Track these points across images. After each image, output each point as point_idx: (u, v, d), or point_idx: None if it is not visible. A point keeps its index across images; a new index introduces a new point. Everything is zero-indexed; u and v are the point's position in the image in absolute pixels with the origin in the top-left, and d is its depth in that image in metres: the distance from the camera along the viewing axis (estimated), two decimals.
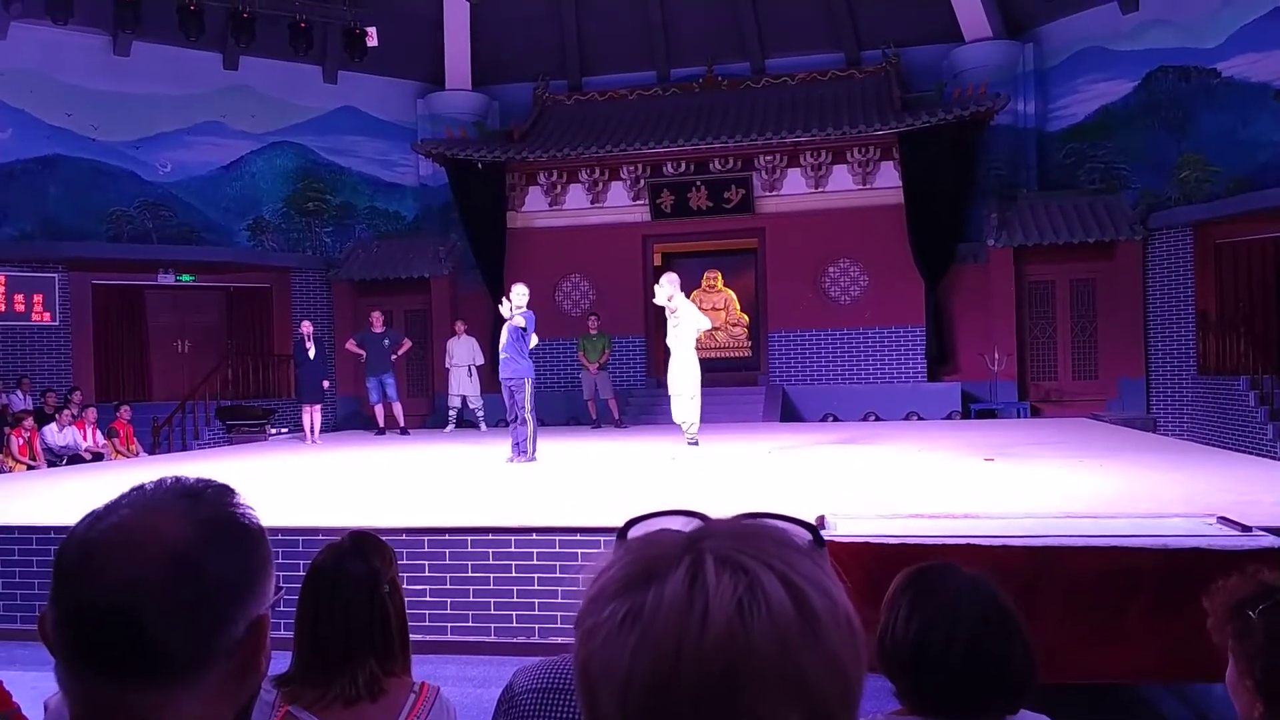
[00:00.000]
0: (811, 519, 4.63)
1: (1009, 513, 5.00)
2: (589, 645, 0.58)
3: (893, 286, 14.92)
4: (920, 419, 14.18)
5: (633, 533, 0.67)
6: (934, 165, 14.38)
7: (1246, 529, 3.94)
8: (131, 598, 0.78)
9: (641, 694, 0.54)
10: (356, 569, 1.96)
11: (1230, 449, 10.34)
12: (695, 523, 0.64)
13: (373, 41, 15.20)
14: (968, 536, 3.88)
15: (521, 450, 9.07)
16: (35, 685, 1.63)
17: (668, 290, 9.17)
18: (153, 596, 0.78)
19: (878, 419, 14.35)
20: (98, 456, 12.26)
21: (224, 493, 0.87)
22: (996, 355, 14.41)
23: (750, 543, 0.58)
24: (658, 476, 7.72)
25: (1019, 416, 14.13)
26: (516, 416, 9.15)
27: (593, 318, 14.48)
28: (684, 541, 0.59)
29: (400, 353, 13.95)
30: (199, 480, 0.87)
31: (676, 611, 0.54)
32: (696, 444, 9.32)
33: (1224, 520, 4.12)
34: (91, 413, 12.75)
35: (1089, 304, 14.82)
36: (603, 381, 13.92)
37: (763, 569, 0.56)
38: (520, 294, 9.17)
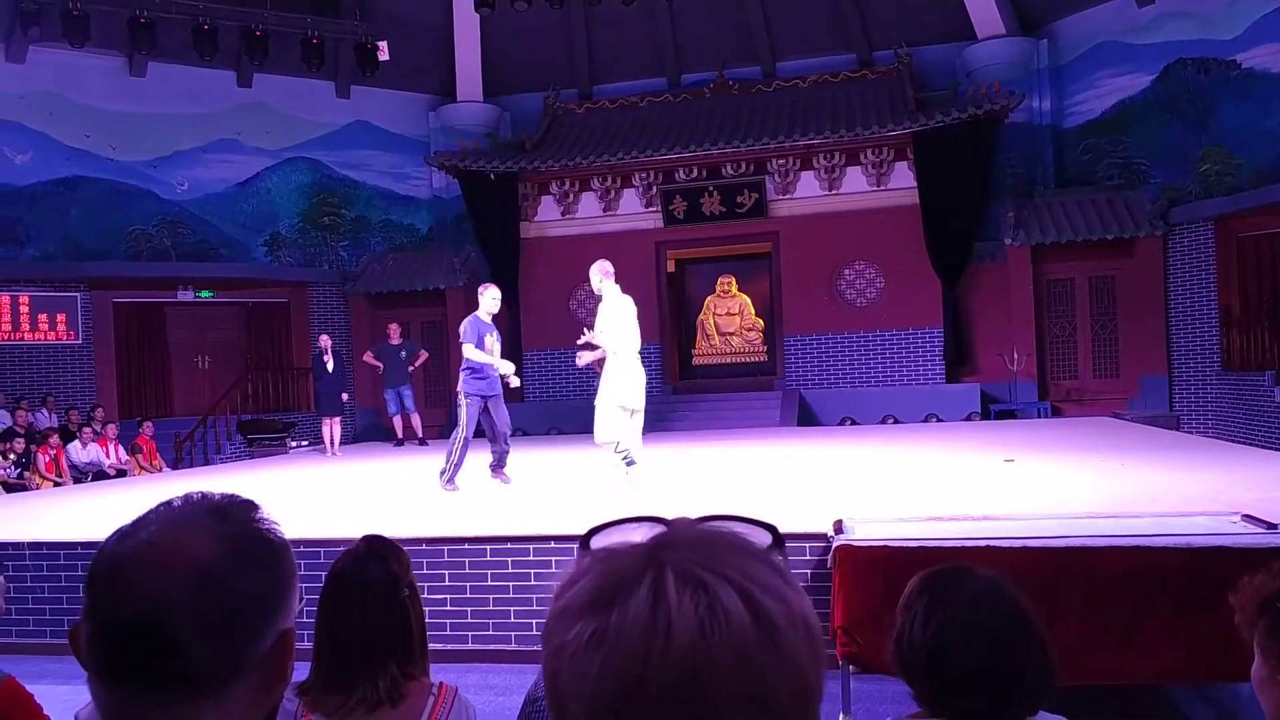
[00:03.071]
0: (829, 523, 4.60)
1: (1030, 514, 4.96)
2: (557, 662, 0.60)
3: (909, 288, 14.85)
4: (939, 421, 14.11)
5: (595, 541, 0.69)
6: (949, 165, 14.31)
7: (1272, 526, 3.89)
8: (162, 615, 0.79)
9: (609, 710, 0.57)
10: (376, 573, 1.97)
11: (1255, 446, 10.22)
12: (657, 528, 0.65)
13: (384, 56, 15.29)
14: (988, 539, 3.85)
15: (451, 478, 7.81)
16: (67, 699, 1.64)
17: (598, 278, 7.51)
18: (183, 613, 0.80)
19: (896, 422, 14.29)
20: (121, 473, 12.38)
21: (248, 508, 0.88)
22: (1016, 355, 14.31)
23: (709, 554, 0.60)
24: (674, 483, 7.70)
25: (1039, 416, 14.02)
26: (498, 435, 7.99)
27: None
28: (645, 554, 0.61)
29: (417, 364, 14.01)
30: (223, 496, 0.89)
31: (641, 632, 0.57)
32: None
33: (1248, 518, 4.07)
34: (111, 429, 12.87)
35: (1109, 301, 14.68)
36: None
37: (721, 584, 0.58)
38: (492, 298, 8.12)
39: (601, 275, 7.52)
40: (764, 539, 0.67)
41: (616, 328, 7.39)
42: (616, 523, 0.71)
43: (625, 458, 7.34)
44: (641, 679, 0.56)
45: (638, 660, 0.56)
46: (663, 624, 0.56)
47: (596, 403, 7.43)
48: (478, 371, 7.84)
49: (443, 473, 7.83)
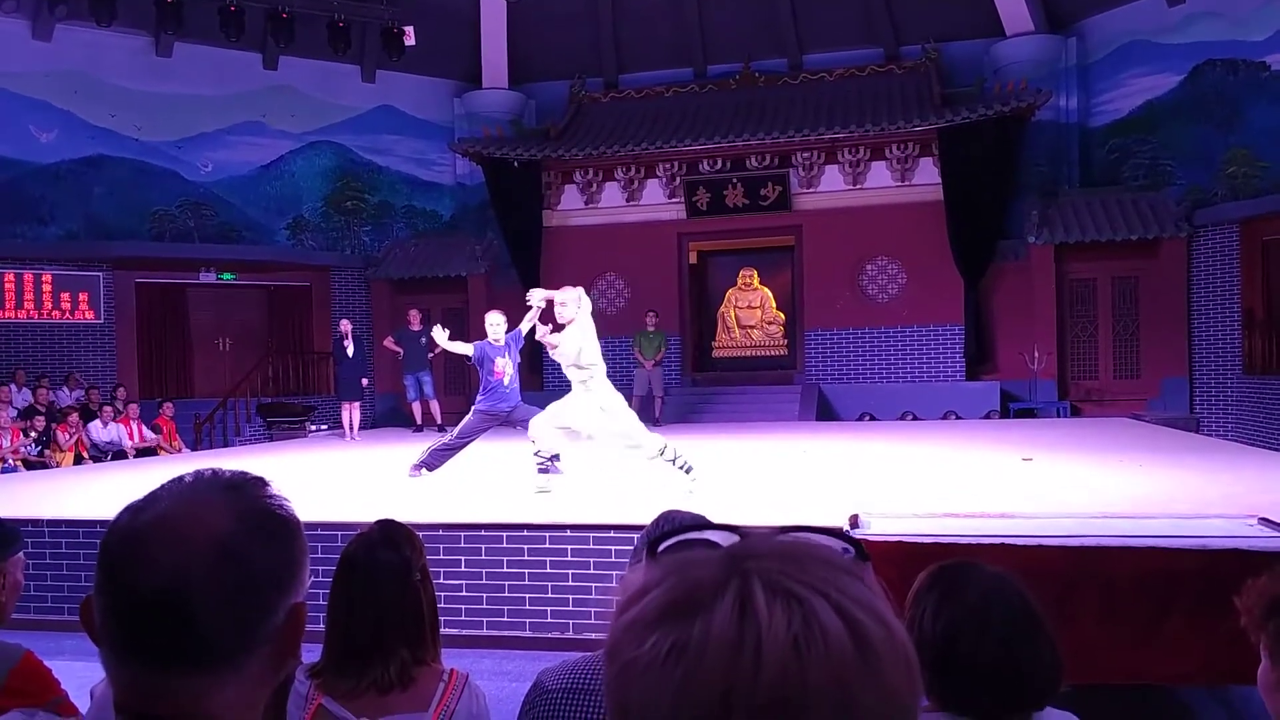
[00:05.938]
0: (846, 517, 4.59)
1: (1046, 512, 4.95)
2: (626, 678, 0.53)
3: (931, 284, 14.78)
4: (959, 418, 14.05)
5: (663, 549, 0.64)
6: (974, 162, 14.21)
7: None
8: (180, 588, 0.80)
9: None
10: (389, 558, 1.98)
11: (1275, 450, 10.12)
12: (730, 537, 0.60)
13: (410, 41, 15.30)
14: (1003, 536, 3.84)
15: (418, 465, 7.98)
16: (82, 675, 1.67)
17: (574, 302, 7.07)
18: (201, 587, 0.80)
19: (915, 418, 14.23)
20: (145, 451, 12.49)
21: (259, 484, 0.89)
22: (1036, 354, 14.23)
23: (798, 566, 0.54)
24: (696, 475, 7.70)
25: (1059, 416, 13.93)
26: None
27: (650, 314, 14.48)
28: (726, 562, 0.54)
29: (437, 350, 14.05)
30: (234, 473, 0.89)
31: (727, 647, 0.50)
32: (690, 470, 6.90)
33: (1265, 521, 4.04)
34: (133, 409, 12.97)
35: (1131, 302, 14.56)
36: (656, 378, 14.05)
37: (815, 597, 0.52)
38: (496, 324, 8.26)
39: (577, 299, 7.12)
40: (846, 552, 0.62)
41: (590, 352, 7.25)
42: (684, 529, 0.65)
43: (540, 464, 7.16)
44: (726, 701, 0.49)
45: (723, 679, 0.50)
46: (752, 639, 0.50)
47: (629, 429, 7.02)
48: (490, 393, 8.08)
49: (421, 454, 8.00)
